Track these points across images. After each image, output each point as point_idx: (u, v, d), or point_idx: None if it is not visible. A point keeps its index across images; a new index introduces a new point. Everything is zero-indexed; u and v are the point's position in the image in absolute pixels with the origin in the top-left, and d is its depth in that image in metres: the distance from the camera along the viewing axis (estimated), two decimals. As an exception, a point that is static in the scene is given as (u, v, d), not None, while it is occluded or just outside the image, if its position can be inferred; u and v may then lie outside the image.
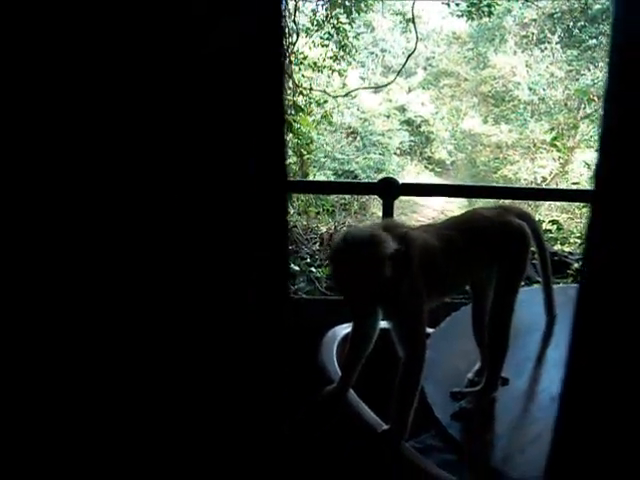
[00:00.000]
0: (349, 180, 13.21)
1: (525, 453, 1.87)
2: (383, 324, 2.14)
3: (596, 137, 13.34)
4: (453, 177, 17.73)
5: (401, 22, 10.97)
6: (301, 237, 6.07)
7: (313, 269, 5.33)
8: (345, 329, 2.54)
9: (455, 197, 4.08)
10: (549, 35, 17.27)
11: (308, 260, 5.60)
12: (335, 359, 2.31)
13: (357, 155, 15.68)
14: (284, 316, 1.04)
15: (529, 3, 16.19)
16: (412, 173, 16.95)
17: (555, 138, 11.28)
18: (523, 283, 2.26)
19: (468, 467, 2.05)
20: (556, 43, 17.17)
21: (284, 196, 1.02)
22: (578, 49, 16.96)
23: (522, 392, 2.18)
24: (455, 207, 14.22)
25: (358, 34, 9.97)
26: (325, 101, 8.46)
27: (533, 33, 17.49)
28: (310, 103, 7.37)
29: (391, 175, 15.84)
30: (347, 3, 9.20)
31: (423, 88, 18.96)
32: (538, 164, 15.92)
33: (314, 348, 2.46)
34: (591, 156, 11.05)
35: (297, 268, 5.33)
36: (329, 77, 10.04)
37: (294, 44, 6.75)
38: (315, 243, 6.03)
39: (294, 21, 6.84)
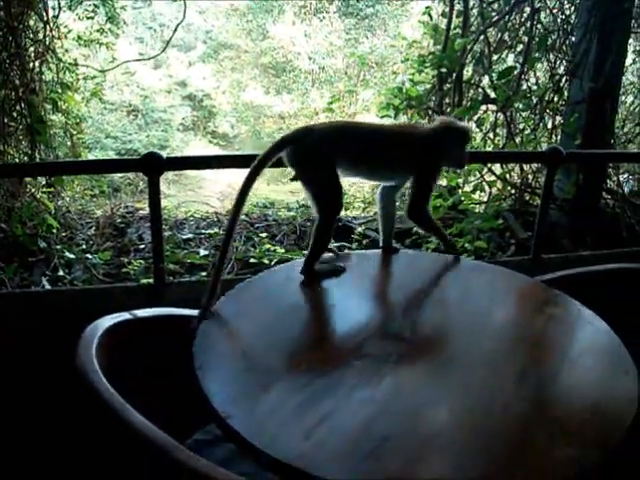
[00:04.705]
0: (107, 157, 12.71)
1: (312, 439, 1.73)
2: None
3: (374, 102, 13.65)
4: (239, 149, 17.65)
5: (172, -9, 10.65)
6: (75, 222, 5.73)
7: (89, 255, 5.01)
8: (111, 320, 2.27)
9: (226, 168, 3.99)
10: (327, 5, 17.58)
11: (84, 246, 5.27)
12: (95, 357, 2.04)
13: (139, 133, 15.35)
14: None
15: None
16: (197, 148, 16.71)
17: (331, 102, 11.42)
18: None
19: (255, 460, 1.88)
20: (334, 12, 17.51)
21: None
22: (356, 18, 17.37)
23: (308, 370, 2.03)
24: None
25: (124, 6, 9.54)
26: (94, 77, 8.04)
27: (311, 3, 17.71)
28: (78, 80, 6.95)
29: (176, 151, 15.61)
30: (110, -28, 8.77)
31: (203, 62, 18.70)
32: (321, 132, 16.16)
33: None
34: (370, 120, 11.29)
35: (72, 256, 5.00)
36: (96, 51, 9.61)
37: (57, 17, 6.32)
38: (91, 227, 5.70)
39: (54, -7, 6.40)
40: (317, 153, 2.44)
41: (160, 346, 2.25)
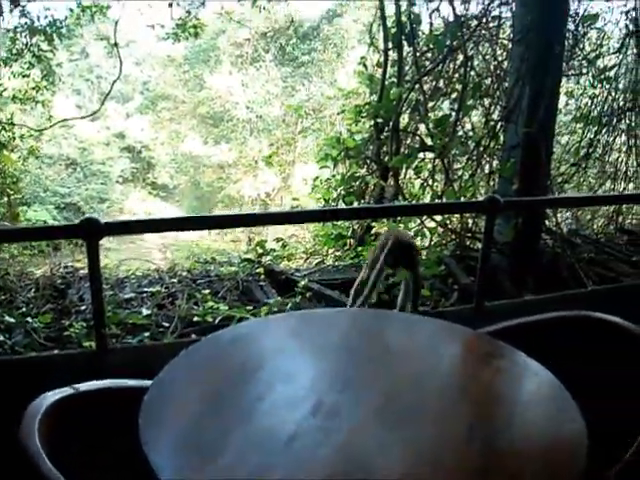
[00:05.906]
0: (43, 225, 12.43)
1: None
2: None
3: (313, 150, 13.75)
4: (178, 200, 17.60)
5: (105, 47, 10.58)
6: (15, 284, 5.57)
7: (30, 319, 4.87)
8: (55, 395, 2.21)
9: (166, 231, 3.99)
10: (263, 54, 17.73)
11: (24, 309, 5.12)
12: (37, 436, 1.98)
13: (78, 186, 15.21)
14: None
15: (242, 23, 16.41)
16: (137, 200, 16.62)
17: (270, 156, 11.46)
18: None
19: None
20: (270, 61, 17.65)
21: None
22: (292, 66, 17.53)
23: (258, 436, 1.99)
24: (186, 233, 14.02)
25: (60, 63, 9.46)
26: (31, 135, 7.94)
27: (247, 52, 17.83)
28: (14, 138, 6.85)
29: (116, 204, 15.50)
30: (48, 30, 8.70)
31: (141, 113, 18.68)
32: (260, 180, 16.15)
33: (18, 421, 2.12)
34: (308, 170, 11.31)
35: (12, 320, 4.85)
36: (32, 109, 9.51)
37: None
38: (31, 289, 5.54)
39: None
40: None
41: (105, 419, 2.20)
